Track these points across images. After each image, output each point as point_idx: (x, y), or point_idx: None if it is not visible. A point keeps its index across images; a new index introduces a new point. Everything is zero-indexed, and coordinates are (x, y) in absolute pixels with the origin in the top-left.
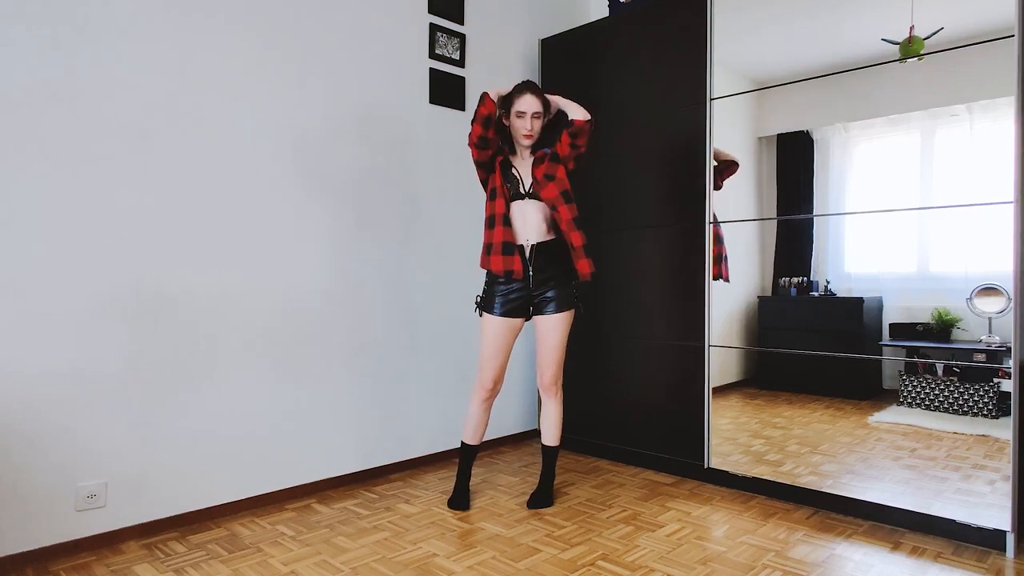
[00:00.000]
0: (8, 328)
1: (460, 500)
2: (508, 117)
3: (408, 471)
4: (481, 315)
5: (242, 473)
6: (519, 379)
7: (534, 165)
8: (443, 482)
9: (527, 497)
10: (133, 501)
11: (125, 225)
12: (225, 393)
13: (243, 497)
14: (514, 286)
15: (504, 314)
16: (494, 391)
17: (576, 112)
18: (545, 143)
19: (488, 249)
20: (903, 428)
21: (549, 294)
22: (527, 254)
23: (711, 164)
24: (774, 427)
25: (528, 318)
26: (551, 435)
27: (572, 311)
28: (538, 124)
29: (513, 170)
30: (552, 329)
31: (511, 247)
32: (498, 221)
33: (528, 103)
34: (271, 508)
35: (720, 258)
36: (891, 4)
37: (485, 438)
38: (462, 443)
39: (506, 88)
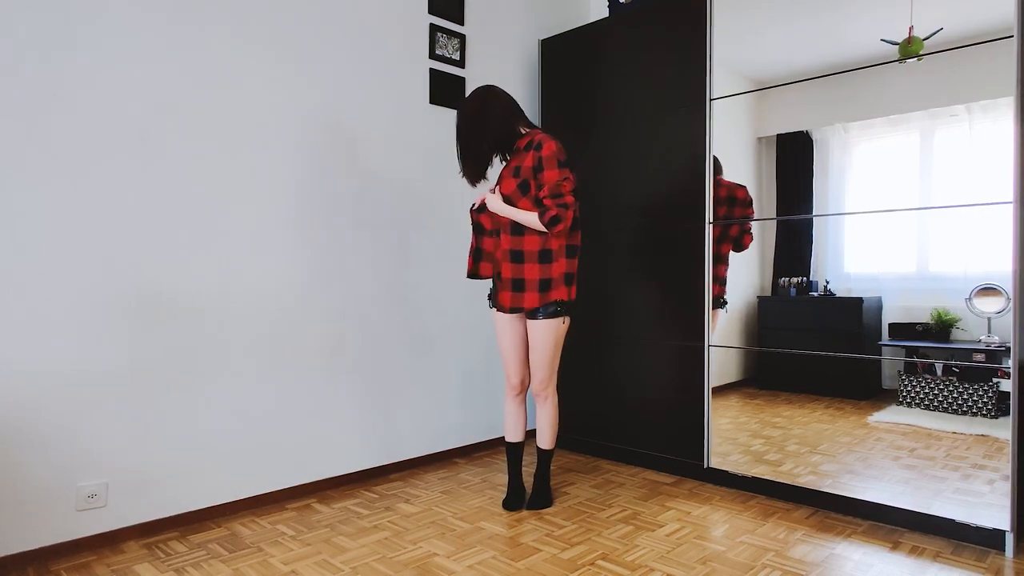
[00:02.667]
0: (9, 328)
1: (512, 499)
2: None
3: (408, 471)
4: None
5: (242, 473)
6: None
7: (501, 177)
8: (443, 482)
9: (527, 497)
10: (134, 501)
11: (125, 226)
12: (226, 393)
13: (243, 497)
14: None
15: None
16: (521, 387)
17: (535, 228)
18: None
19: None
20: (902, 428)
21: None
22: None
23: (711, 165)
24: (774, 427)
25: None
26: (545, 439)
27: (559, 319)
28: None
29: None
30: (536, 335)
31: (484, 253)
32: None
33: None
34: (271, 508)
35: (722, 280)
36: (891, 4)
37: (485, 437)
38: (505, 441)
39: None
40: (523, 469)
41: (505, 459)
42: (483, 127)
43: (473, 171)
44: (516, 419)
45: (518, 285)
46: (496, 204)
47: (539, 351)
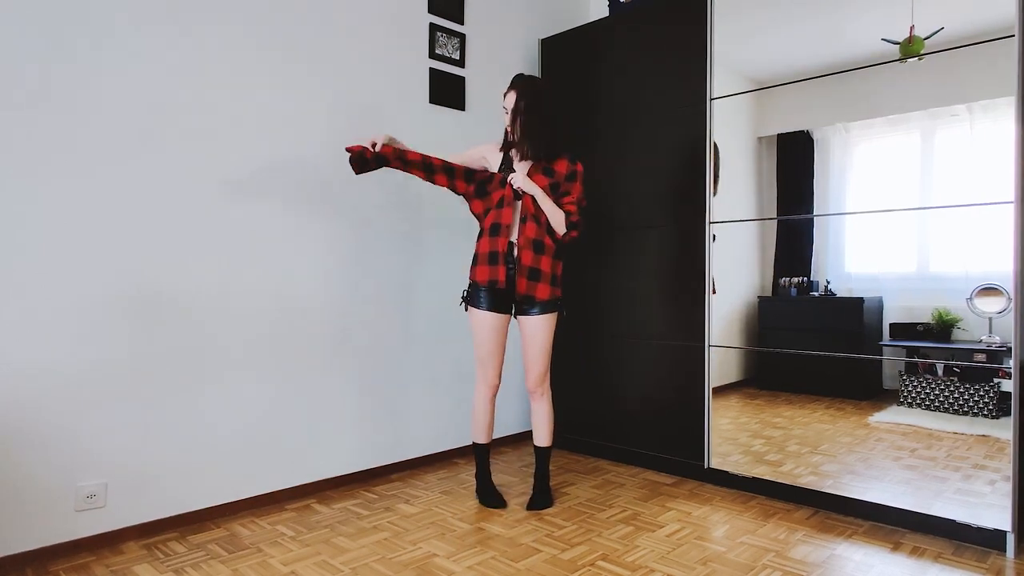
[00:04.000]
0: (9, 327)
1: (491, 496)
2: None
3: (408, 471)
4: (467, 310)
5: (242, 473)
6: (519, 378)
7: (531, 171)
8: (443, 482)
9: (527, 497)
10: (133, 501)
11: (126, 225)
12: (225, 393)
13: (243, 497)
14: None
15: (492, 308)
16: (498, 387)
17: (557, 226)
18: (545, 148)
19: (474, 259)
20: (903, 428)
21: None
22: (515, 252)
23: (711, 164)
24: (774, 427)
25: (513, 315)
26: (542, 436)
27: (555, 313)
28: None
29: (511, 169)
30: (536, 330)
31: (496, 256)
32: (486, 232)
33: (507, 100)
34: (271, 508)
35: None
36: (891, 4)
37: None
38: (475, 443)
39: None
40: (521, 469)
41: (476, 461)
42: (548, 115)
43: (539, 146)
44: (491, 420)
45: (534, 275)
46: (534, 188)
47: (537, 348)
